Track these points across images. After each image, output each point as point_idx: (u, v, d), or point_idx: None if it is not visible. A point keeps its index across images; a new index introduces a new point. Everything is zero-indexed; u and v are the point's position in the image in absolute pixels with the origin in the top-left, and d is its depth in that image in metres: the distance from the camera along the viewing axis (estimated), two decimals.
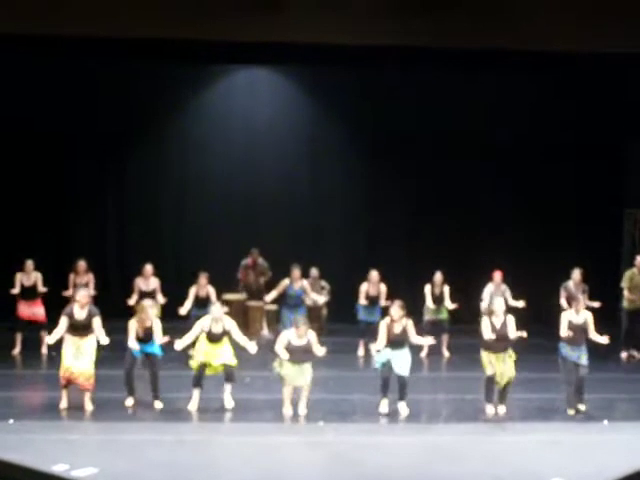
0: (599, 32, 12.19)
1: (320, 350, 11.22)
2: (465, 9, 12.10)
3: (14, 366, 13.86)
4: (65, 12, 11.65)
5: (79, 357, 11.14)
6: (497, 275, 14.77)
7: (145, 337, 11.39)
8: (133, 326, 11.37)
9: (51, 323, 12.51)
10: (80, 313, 11.28)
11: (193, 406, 11.27)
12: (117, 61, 15.92)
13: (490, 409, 11.37)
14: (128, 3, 11.90)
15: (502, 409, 11.37)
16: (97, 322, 11.34)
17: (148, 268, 14.63)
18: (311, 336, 11.27)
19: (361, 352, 14.81)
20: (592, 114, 17.44)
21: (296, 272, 14.73)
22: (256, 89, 17.81)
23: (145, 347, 11.42)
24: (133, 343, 11.28)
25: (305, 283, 14.88)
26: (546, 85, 17.21)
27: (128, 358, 11.37)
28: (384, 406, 11.34)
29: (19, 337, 14.32)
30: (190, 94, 17.57)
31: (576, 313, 11.49)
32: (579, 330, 11.37)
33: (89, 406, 11.19)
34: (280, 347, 11.13)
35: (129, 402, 11.38)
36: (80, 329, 11.22)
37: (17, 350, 14.37)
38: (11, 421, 10.57)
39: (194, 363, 11.39)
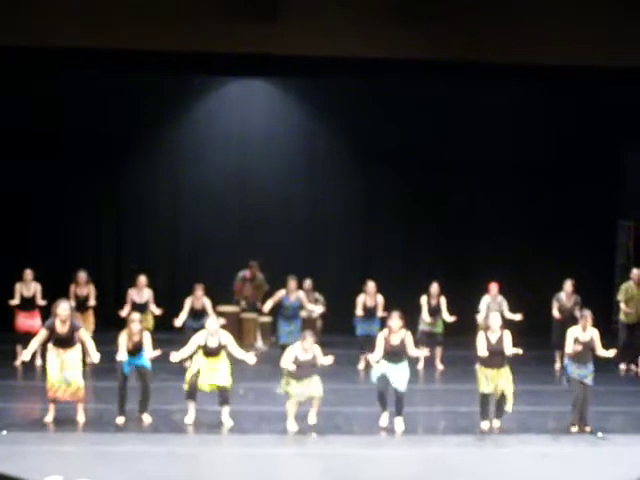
0: (597, 45, 12.25)
1: (326, 359, 11.14)
2: (462, 21, 12.15)
3: (8, 377, 13.78)
4: (65, 24, 11.69)
5: (65, 370, 11.00)
6: (493, 287, 14.74)
7: (134, 350, 11.23)
8: (123, 339, 11.23)
9: None
10: (62, 327, 11.07)
11: (190, 419, 11.19)
12: (115, 72, 15.90)
13: (485, 425, 11.33)
14: (125, 16, 11.94)
15: (497, 423, 11.31)
16: (84, 336, 11.24)
17: (142, 279, 14.56)
18: (316, 350, 11.21)
19: (361, 366, 14.66)
20: (588, 126, 17.48)
21: (292, 283, 14.64)
22: (251, 100, 17.80)
23: (135, 360, 11.26)
24: (122, 355, 11.13)
25: (301, 294, 14.81)
26: (542, 97, 17.24)
27: (120, 375, 11.21)
28: (384, 419, 11.30)
29: (19, 348, 14.03)
30: (185, 105, 17.59)
31: (583, 330, 11.36)
32: (586, 347, 11.26)
33: (81, 418, 11.11)
34: (287, 362, 11.05)
35: (120, 420, 11.22)
36: (63, 342, 11.08)
37: (19, 361, 14.08)
38: (4, 432, 10.52)
39: (187, 375, 11.30)
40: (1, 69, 14.72)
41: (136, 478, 9.19)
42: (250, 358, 11.35)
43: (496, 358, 11.16)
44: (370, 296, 14.69)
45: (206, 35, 11.93)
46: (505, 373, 11.20)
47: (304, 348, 11.09)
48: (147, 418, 11.26)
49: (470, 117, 17.17)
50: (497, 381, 11.15)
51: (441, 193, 17.56)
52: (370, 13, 12.02)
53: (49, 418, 11.09)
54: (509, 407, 11.20)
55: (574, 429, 11.20)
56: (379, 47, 12.10)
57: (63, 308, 11.09)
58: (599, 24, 12.37)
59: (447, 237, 17.58)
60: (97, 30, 11.71)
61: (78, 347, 11.16)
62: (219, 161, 17.68)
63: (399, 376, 11.19)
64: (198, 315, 14.05)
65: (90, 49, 12.13)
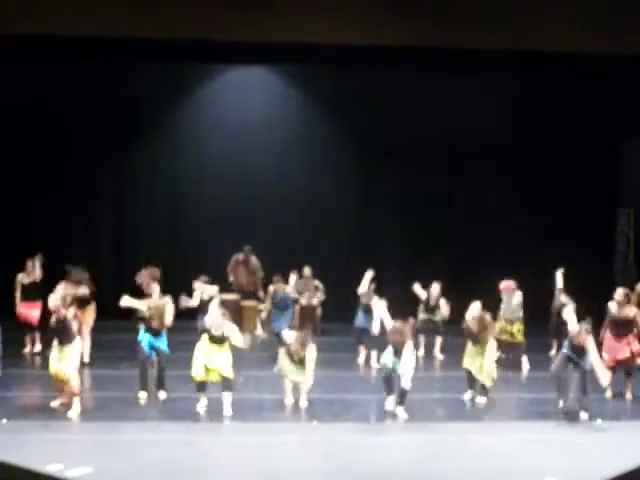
0: (598, 33, 12.24)
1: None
2: (460, 8, 12.14)
3: (9, 366, 13.77)
4: (64, 11, 11.69)
5: (60, 362, 10.97)
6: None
7: (155, 333, 11.61)
8: (143, 305, 11.60)
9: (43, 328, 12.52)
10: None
11: (201, 407, 11.19)
12: (113, 60, 15.90)
13: (467, 395, 11.75)
14: (123, 4, 11.93)
15: (482, 400, 11.54)
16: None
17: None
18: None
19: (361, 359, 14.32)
20: (587, 114, 17.48)
21: (278, 282, 14.74)
22: (250, 88, 17.82)
23: (154, 341, 11.62)
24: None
25: (289, 288, 14.83)
26: (542, 86, 17.23)
27: (141, 354, 11.61)
28: (390, 403, 11.31)
29: (28, 338, 14.37)
30: (185, 93, 17.59)
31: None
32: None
33: (74, 411, 10.96)
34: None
35: (142, 395, 11.55)
36: (58, 336, 11.03)
37: (27, 349, 14.40)
38: (4, 421, 10.55)
39: (194, 371, 11.30)
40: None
41: (137, 466, 9.20)
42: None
43: (482, 334, 11.51)
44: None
45: (203, 23, 11.93)
46: (487, 352, 11.46)
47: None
48: (162, 394, 11.62)
49: (469, 104, 17.16)
50: (479, 359, 11.42)
51: (440, 183, 17.58)
52: (366, 0, 12.02)
53: (55, 403, 11.14)
54: (486, 381, 11.52)
55: (584, 415, 11.14)
56: (375, 34, 12.08)
57: (51, 299, 11.24)
58: (597, 11, 12.35)
59: (447, 224, 17.59)
60: (95, 18, 11.71)
61: (77, 340, 11.17)
62: (219, 149, 17.70)
63: (406, 368, 11.15)
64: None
65: (88, 37, 12.14)
